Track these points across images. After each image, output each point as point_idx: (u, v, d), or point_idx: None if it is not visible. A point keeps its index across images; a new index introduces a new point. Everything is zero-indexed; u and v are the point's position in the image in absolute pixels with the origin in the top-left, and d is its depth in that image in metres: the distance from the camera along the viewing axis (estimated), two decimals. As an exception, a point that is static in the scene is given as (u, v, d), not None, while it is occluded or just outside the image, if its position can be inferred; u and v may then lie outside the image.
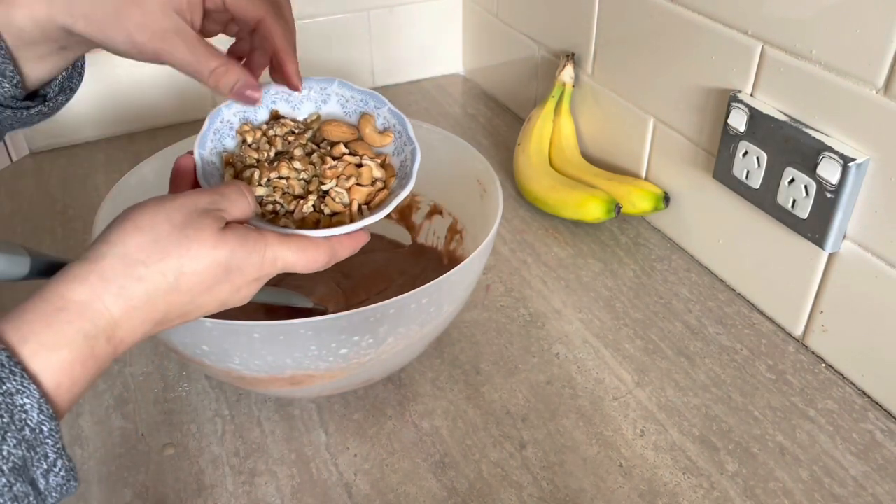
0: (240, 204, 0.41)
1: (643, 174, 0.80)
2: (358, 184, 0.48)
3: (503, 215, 0.61)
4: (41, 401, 0.32)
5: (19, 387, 0.31)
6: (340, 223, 0.46)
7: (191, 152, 0.47)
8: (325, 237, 0.44)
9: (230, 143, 0.50)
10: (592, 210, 0.77)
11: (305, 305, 0.61)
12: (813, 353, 0.64)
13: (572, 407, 0.60)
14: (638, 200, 0.77)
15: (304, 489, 0.54)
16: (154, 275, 0.37)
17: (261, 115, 0.52)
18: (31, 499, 0.32)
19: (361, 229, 0.45)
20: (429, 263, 0.69)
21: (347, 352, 0.50)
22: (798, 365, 0.63)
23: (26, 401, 0.31)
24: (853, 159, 0.54)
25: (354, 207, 0.47)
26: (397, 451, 0.56)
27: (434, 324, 0.54)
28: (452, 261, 0.68)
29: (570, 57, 0.85)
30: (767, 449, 0.56)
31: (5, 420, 0.31)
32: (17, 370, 0.31)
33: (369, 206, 0.48)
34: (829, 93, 0.56)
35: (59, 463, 0.33)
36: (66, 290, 0.35)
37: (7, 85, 0.44)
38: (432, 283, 0.49)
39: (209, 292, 0.39)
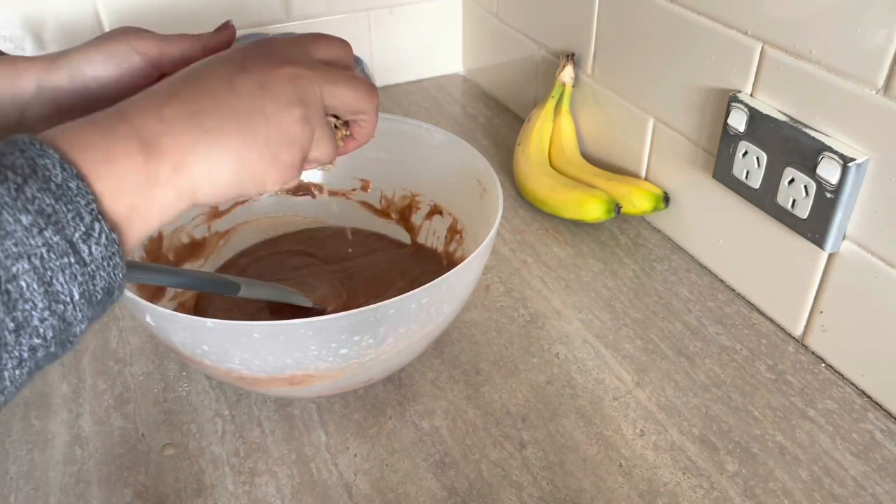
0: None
1: (643, 174, 0.80)
2: None
3: (503, 215, 0.61)
4: (62, 161, 0.30)
5: (39, 152, 0.30)
6: None
7: None
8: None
9: None
10: (592, 210, 0.77)
11: (305, 304, 0.61)
12: (813, 353, 0.64)
13: (572, 407, 0.60)
14: (638, 200, 0.77)
15: (304, 489, 0.54)
16: (202, 89, 0.37)
17: None
18: (72, 259, 0.30)
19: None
20: (428, 264, 0.69)
21: (347, 352, 0.50)
22: (798, 365, 0.63)
23: (46, 161, 0.30)
24: (853, 159, 0.54)
25: None
26: (397, 451, 0.56)
27: (434, 324, 0.54)
28: (452, 261, 0.68)
29: (570, 57, 0.85)
30: (767, 449, 0.56)
31: (26, 171, 0.29)
32: (36, 143, 0.30)
33: None
34: (829, 93, 0.56)
35: (97, 226, 0.31)
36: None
37: None
38: (432, 283, 0.49)
39: (260, 89, 0.38)
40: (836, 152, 0.55)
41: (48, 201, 0.29)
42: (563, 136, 0.87)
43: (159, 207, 0.34)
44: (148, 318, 0.49)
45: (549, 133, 0.87)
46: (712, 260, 0.73)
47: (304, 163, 0.41)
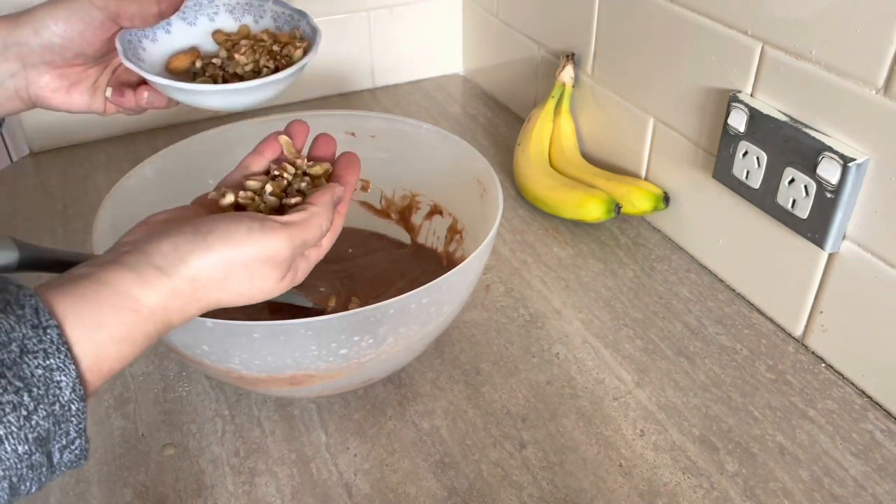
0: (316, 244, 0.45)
1: (643, 174, 0.80)
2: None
3: (503, 215, 0.61)
4: (76, 381, 0.33)
5: (60, 364, 0.33)
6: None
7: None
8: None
9: (143, 52, 0.54)
10: (592, 210, 0.77)
11: (305, 304, 0.61)
12: (813, 353, 0.64)
13: (572, 407, 0.60)
14: (638, 200, 0.77)
15: (304, 489, 0.54)
16: (210, 299, 0.40)
17: (200, 22, 0.58)
18: (44, 469, 0.33)
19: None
20: (428, 265, 0.69)
21: (347, 352, 0.50)
22: (798, 365, 0.63)
23: (63, 378, 0.33)
24: (853, 159, 0.54)
25: (262, 63, 0.54)
26: (397, 451, 0.56)
27: (434, 324, 0.54)
28: (452, 261, 0.68)
29: (570, 57, 0.85)
30: (767, 449, 0.56)
31: (41, 392, 0.32)
32: (63, 349, 0.33)
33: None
34: (829, 93, 0.56)
35: (77, 442, 0.34)
36: (142, 294, 0.37)
37: None
38: (432, 283, 0.49)
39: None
40: (836, 152, 0.55)
41: (47, 426, 0.32)
42: (563, 136, 0.86)
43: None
44: (148, 318, 0.49)
45: (549, 133, 0.87)
46: (712, 260, 0.73)
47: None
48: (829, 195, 0.56)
